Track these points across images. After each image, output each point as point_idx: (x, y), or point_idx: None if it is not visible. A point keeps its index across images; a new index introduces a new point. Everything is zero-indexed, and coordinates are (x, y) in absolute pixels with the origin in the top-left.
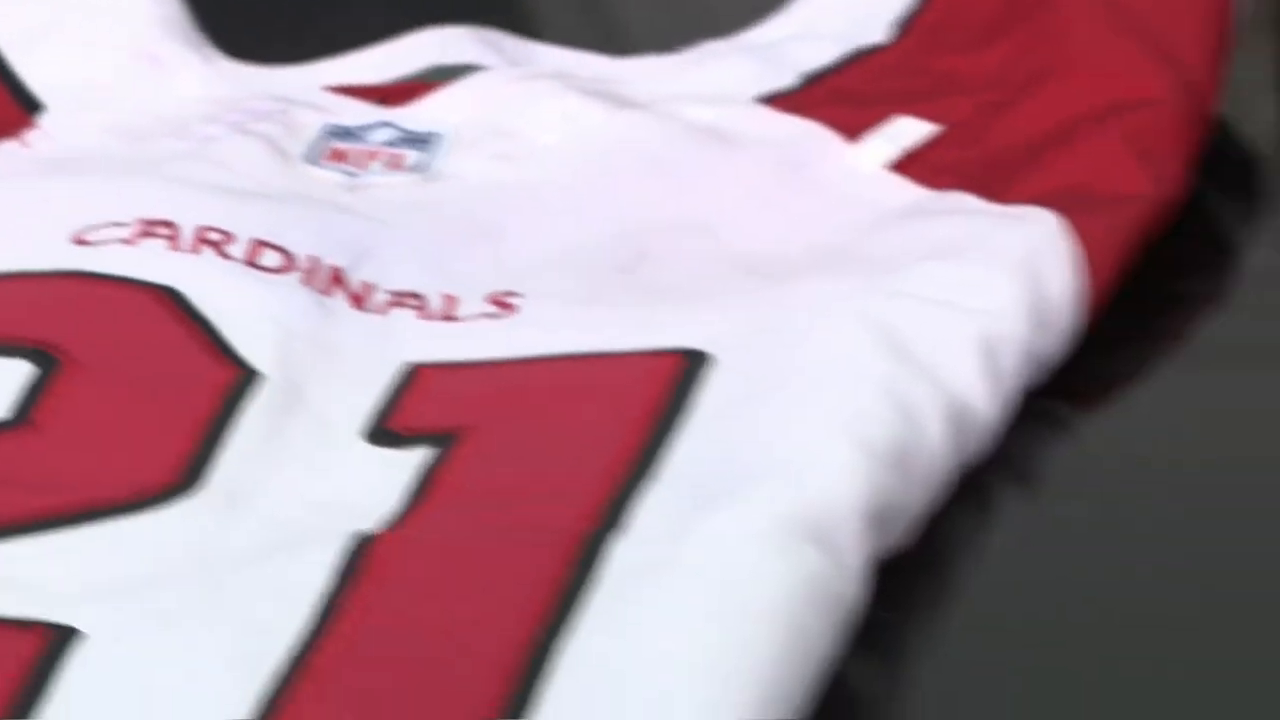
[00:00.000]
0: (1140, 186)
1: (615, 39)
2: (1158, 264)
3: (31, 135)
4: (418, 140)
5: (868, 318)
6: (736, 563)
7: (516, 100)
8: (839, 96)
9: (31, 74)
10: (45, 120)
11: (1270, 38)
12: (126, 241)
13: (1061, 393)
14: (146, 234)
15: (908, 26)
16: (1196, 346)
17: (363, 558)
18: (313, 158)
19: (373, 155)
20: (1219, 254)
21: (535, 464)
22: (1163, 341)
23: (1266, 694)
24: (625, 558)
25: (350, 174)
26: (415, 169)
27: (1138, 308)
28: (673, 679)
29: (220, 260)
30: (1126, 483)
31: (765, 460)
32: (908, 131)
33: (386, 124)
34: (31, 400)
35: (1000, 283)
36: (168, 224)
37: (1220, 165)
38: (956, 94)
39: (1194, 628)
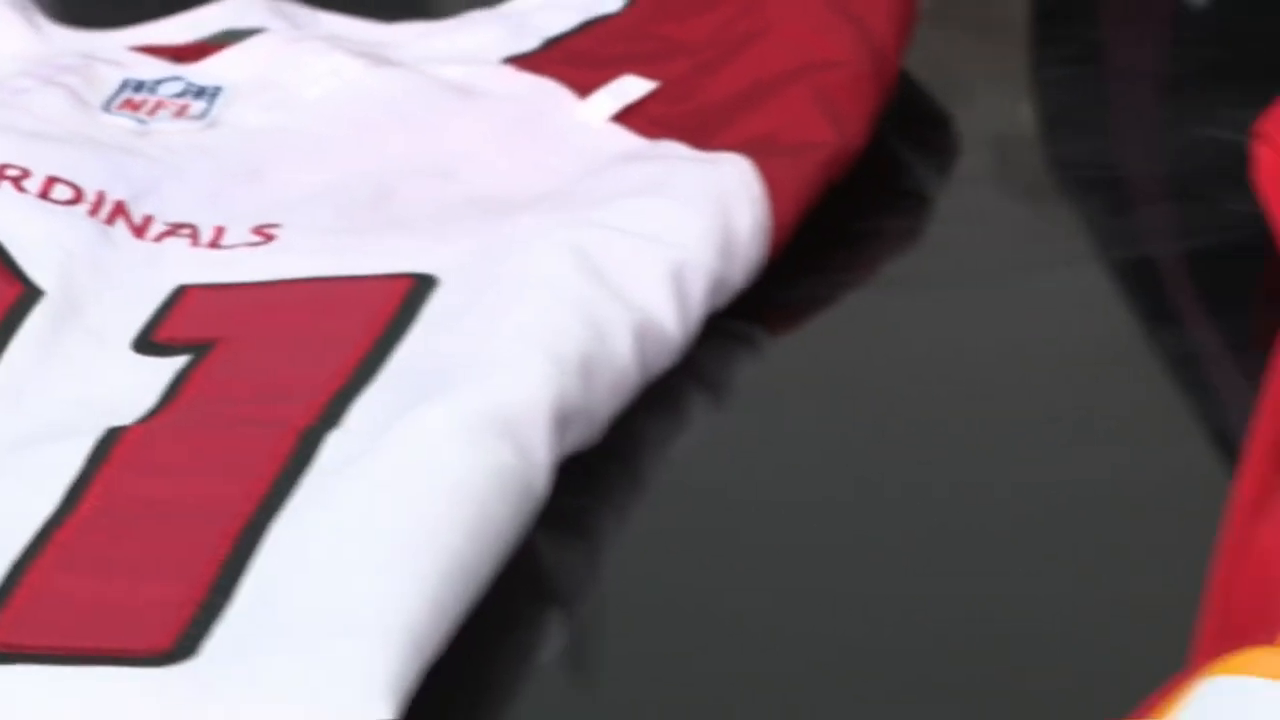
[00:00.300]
0: (823, 136)
1: None
2: (852, 205)
3: None
4: (202, 92)
5: (570, 245)
6: (431, 451)
7: (289, 59)
8: (573, 58)
9: None
10: None
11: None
12: None
13: (752, 315)
14: None
15: None
16: (882, 275)
17: (111, 446)
18: (108, 106)
19: (162, 105)
20: (910, 197)
21: (275, 368)
22: (852, 271)
23: (924, 576)
24: (338, 448)
25: (141, 121)
26: (198, 117)
27: (831, 242)
28: (363, 549)
29: (16, 193)
30: (806, 395)
31: (467, 366)
32: (630, 89)
33: (177, 78)
34: None
35: (691, 217)
36: None
37: (915, 121)
38: (675, 56)
39: (860, 519)
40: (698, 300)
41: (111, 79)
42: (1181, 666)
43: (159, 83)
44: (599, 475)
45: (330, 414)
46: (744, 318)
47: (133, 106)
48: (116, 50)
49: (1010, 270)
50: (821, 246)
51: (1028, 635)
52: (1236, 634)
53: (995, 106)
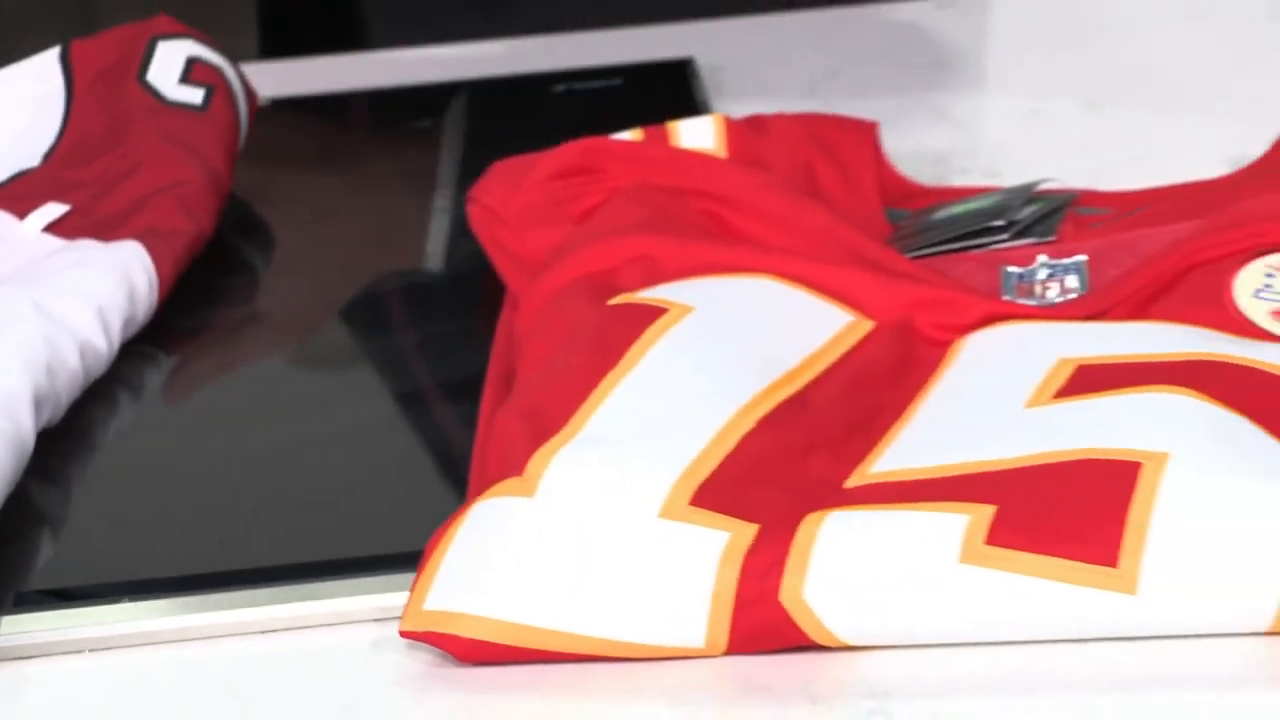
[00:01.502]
0: (185, 226)
1: None
2: (207, 272)
3: None
4: None
5: (30, 300)
6: None
7: None
8: (11, 197)
9: None
10: None
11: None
12: None
13: (153, 340)
14: None
15: (49, 154)
16: (227, 315)
17: None
18: None
19: None
20: (243, 266)
21: None
22: (211, 312)
23: (272, 492)
24: None
25: None
26: None
27: (198, 295)
28: None
29: None
30: (190, 388)
31: None
32: (52, 211)
33: None
34: None
35: (106, 280)
36: None
37: (246, 220)
38: (79, 188)
39: (222, 463)
40: (116, 330)
41: None
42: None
43: None
44: (64, 440)
45: None
46: (148, 342)
47: None
48: None
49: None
50: (192, 297)
51: (358, 508)
52: (492, 479)
53: (308, 212)
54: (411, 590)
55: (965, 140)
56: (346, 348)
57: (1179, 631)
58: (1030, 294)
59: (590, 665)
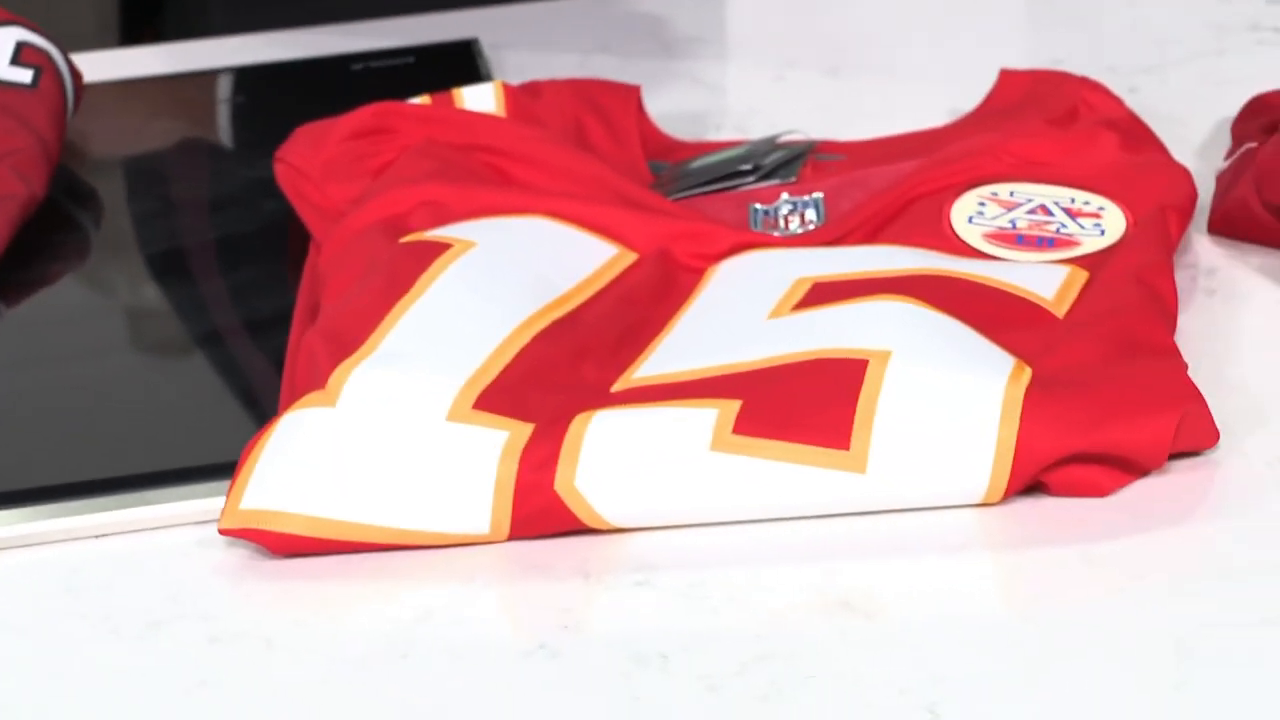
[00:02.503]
0: (18, 190)
1: None
2: (39, 228)
3: None
4: None
5: None
6: None
7: None
8: None
9: None
10: None
11: None
12: None
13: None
14: None
15: None
16: (63, 268)
17: None
18: None
19: None
20: (76, 229)
21: None
22: (43, 265)
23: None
24: None
25: None
26: None
27: (38, 254)
28: None
29: None
30: (49, 324)
31: None
32: None
33: None
34: None
35: None
36: None
37: (77, 189)
38: None
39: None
40: None
41: None
42: None
43: None
44: None
45: None
46: None
47: None
48: None
49: (136, 261)
50: (28, 254)
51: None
52: (299, 394)
53: (133, 179)
54: (228, 494)
55: (718, 103)
56: (168, 292)
57: (906, 505)
58: (775, 226)
59: (390, 553)
